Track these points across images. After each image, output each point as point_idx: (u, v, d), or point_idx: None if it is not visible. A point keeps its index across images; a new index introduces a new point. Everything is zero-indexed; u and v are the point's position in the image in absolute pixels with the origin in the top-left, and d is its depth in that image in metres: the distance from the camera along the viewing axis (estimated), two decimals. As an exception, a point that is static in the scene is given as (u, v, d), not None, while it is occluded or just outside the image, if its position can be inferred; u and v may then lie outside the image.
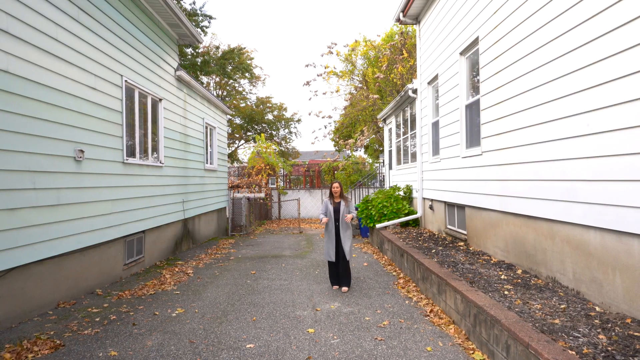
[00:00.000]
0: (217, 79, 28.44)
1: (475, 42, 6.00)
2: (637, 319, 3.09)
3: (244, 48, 27.38)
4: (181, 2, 22.18)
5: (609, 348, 2.62)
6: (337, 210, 5.92)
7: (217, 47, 26.85)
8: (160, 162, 7.91)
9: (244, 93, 31.54)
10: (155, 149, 7.83)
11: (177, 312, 4.76)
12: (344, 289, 5.73)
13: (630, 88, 3.09)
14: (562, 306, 3.50)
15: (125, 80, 6.54)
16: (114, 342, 3.83)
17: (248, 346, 3.70)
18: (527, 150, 4.60)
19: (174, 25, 8.40)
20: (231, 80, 28.83)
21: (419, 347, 3.61)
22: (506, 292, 3.95)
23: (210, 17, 23.90)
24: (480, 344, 3.50)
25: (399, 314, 4.57)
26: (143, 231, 7.24)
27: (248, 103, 30.96)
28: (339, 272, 5.82)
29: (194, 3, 26.21)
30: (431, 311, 4.58)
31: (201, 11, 23.57)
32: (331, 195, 6.01)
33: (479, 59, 5.87)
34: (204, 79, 26.85)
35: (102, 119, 5.85)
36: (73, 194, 5.12)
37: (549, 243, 4.27)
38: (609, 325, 3.02)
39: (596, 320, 3.13)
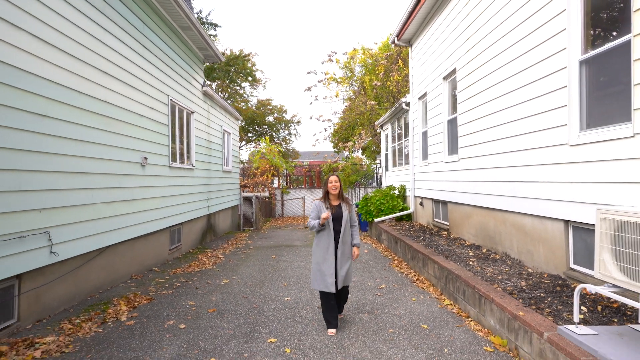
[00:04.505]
0: (219, 82, 29.82)
1: (454, 71, 7.52)
2: (551, 274, 4.61)
3: (248, 54, 28.78)
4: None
5: (524, 287, 4.14)
6: (338, 219, 4.00)
7: (223, 54, 28.13)
8: (192, 165, 9.37)
9: (245, 95, 32.93)
10: (188, 154, 9.28)
11: (224, 281, 6.24)
12: (340, 316, 4.35)
13: (546, 120, 4.61)
14: (506, 269, 5.02)
15: (171, 99, 8.01)
16: (188, 297, 5.31)
17: (286, 299, 5.20)
18: (488, 159, 6.12)
19: (203, 48, 9.87)
20: (232, 84, 30.23)
21: (406, 299, 5.13)
22: (471, 262, 5.47)
23: (216, 25, 25.29)
24: (449, 295, 5.01)
25: (393, 281, 6.09)
26: (181, 223, 8.71)
27: (249, 105, 32.36)
28: (337, 302, 4.06)
29: (200, 12, 27.60)
30: (417, 279, 6.10)
31: (207, 19, 24.91)
32: (326, 196, 4.07)
33: (457, 85, 7.39)
34: (207, 82, 28.16)
35: (156, 131, 7.31)
36: (140, 192, 6.58)
37: (503, 227, 5.80)
38: (531, 277, 4.54)
39: (524, 276, 4.65)
